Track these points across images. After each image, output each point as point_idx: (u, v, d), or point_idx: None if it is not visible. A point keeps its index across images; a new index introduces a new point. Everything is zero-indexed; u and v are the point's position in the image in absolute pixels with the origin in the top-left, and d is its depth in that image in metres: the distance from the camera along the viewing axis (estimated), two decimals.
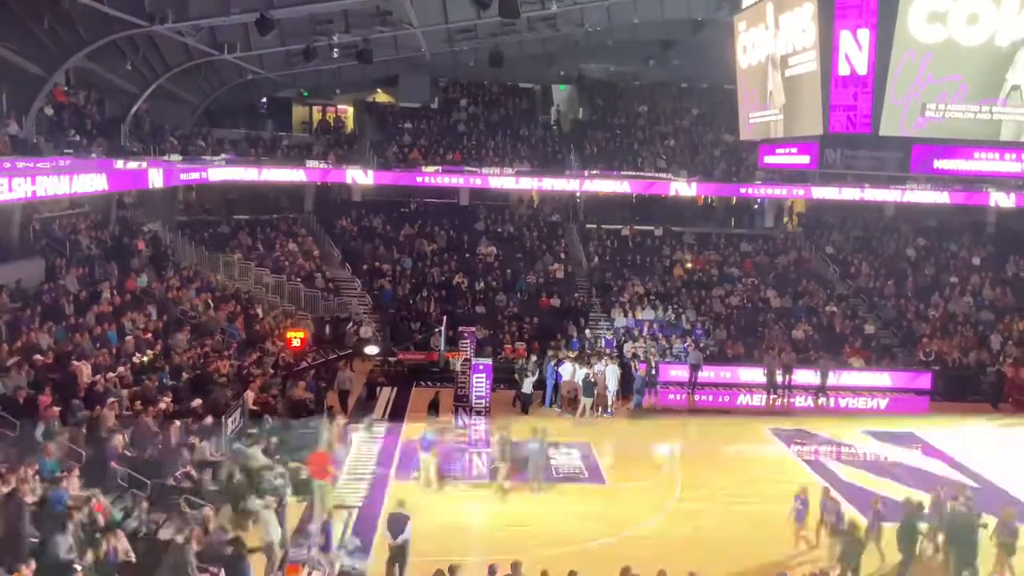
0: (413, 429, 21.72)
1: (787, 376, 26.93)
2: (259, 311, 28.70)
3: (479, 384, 18.76)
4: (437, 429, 19.09)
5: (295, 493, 17.15)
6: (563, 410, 24.47)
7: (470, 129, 39.58)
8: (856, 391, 27.55)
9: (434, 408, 20.67)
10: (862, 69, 13.84)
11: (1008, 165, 15.42)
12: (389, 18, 25.84)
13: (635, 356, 27.15)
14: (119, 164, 23.75)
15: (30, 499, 12.63)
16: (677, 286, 34.06)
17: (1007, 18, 13.74)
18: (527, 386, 24.32)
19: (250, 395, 20.60)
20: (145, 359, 20.02)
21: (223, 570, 13.11)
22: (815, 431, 23.65)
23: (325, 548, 13.72)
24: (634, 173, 36.18)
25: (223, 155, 32.51)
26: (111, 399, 16.86)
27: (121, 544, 12.47)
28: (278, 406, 20.31)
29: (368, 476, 18.77)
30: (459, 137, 38.68)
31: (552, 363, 25.35)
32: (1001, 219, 39.63)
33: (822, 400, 26.52)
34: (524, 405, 24.18)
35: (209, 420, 18.05)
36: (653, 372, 26.26)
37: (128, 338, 20.46)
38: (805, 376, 27.37)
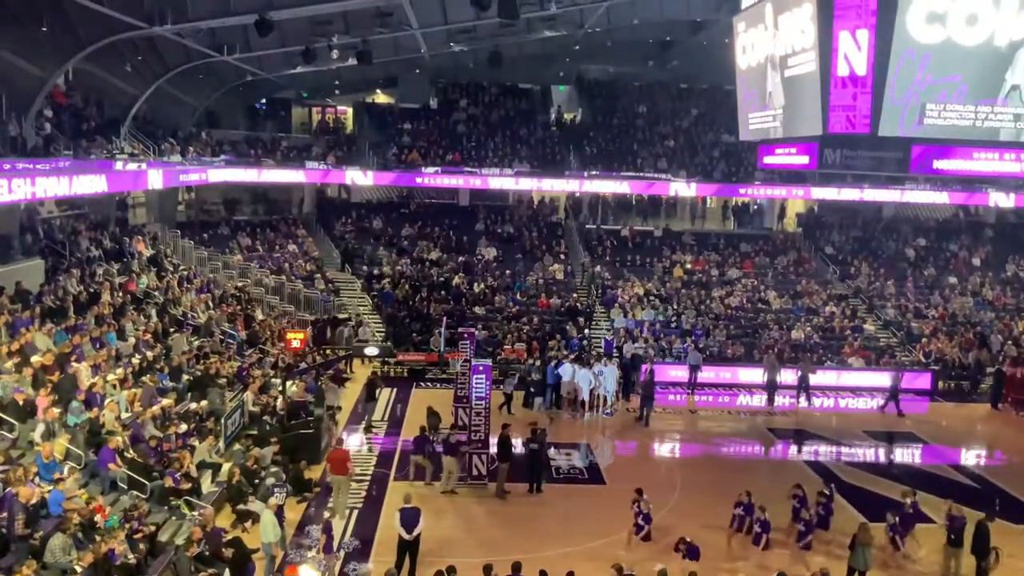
0: (412, 430, 21.77)
1: (805, 382, 26.38)
2: (259, 312, 28.70)
3: (479, 385, 18.72)
4: (456, 432, 18.75)
5: (295, 493, 17.19)
6: (562, 411, 24.44)
7: (469, 130, 39.60)
8: (856, 391, 27.61)
9: (434, 414, 20.73)
10: (861, 70, 13.84)
11: (1008, 165, 15.44)
12: (388, 19, 25.81)
13: (637, 356, 27.12)
14: (118, 165, 23.76)
15: (31, 501, 12.65)
16: (677, 286, 34.09)
17: (1006, 18, 13.76)
18: (507, 386, 24.27)
19: (250, 396, 20.62)
20: (144, 360, 20.02)
21: (228, 570, 13.13)
22: (815, 431, 23.65)
23: (327, 548, 13.71)
24: (633, 174, 36.24)
25: (223, 156, 32.56)
26: (110, 400, 16.89)
27: (120, 546, 12.47)
28: (278, 407, 20.29)
29: (367, 477, 18.75)
30: (458, 138, 38.70)
31: (551, 364, 25.35)
32: (1001, 219, 39.75)
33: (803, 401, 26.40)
34: (507, 404, 24.01)
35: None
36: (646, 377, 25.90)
37: (129, 339, 20.45)
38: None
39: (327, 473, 17.32)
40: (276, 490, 15.00)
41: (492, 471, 18.25)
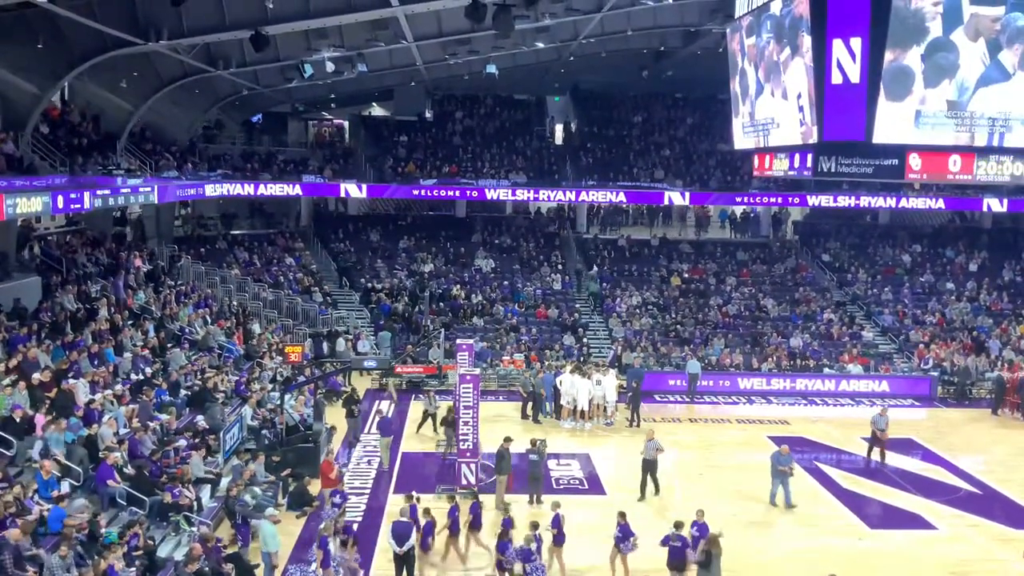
0: (411, 443, 21.74)
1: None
2: (256, 326, 28.66)
3: (466, 394, 18.66)
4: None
5: (295, 508, 17.15)
6: (562, 420, 24.39)
7: (466, 141, 39.69)
8: (855, 398, 27.58)
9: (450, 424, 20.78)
10: (855, 77, 13.88)
11: (1003, 169, 15.44)
12: (383, 33, 25.89)
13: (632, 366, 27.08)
14: (115, 181, 23.77)
15: (30, 517, 12.59)
16: (675, 295, 34.10)
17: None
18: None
19: (248, 410, 20.56)
20: (143, 376, 19.98)
21: None
22: (814, 439, 23.60)
23: (325, 563, 13.66)
24: (630, 184, 36.32)
25: (219, 170, 32.59)
26: (109, 416, 16.84)
27: (119, 562, 12.41)
28: (276, 421, 20.23)
29: (366, 491, 18.69)
30: (455, 149, 38.79)
31: (551, 373, 25.30)
32: (996, 224, 39.84)
33: None
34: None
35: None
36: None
37: (126, 355, 20.42)
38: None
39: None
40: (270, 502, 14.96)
41: (491, 482, 18.21)
